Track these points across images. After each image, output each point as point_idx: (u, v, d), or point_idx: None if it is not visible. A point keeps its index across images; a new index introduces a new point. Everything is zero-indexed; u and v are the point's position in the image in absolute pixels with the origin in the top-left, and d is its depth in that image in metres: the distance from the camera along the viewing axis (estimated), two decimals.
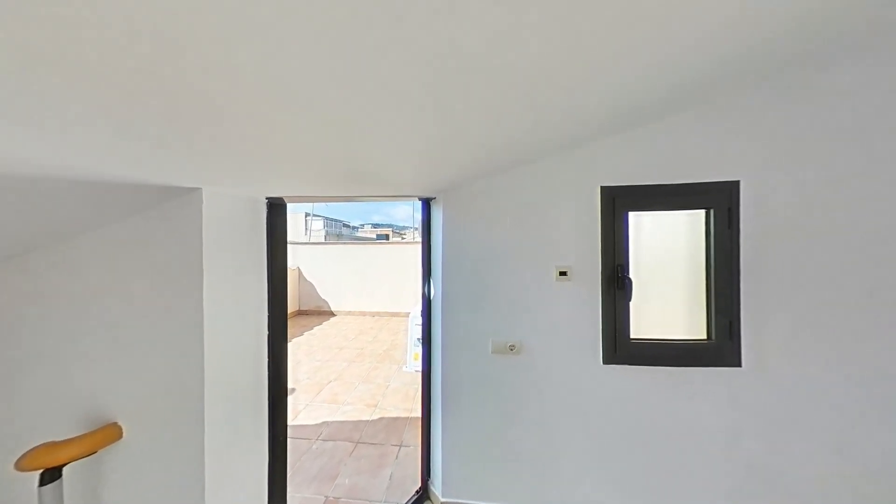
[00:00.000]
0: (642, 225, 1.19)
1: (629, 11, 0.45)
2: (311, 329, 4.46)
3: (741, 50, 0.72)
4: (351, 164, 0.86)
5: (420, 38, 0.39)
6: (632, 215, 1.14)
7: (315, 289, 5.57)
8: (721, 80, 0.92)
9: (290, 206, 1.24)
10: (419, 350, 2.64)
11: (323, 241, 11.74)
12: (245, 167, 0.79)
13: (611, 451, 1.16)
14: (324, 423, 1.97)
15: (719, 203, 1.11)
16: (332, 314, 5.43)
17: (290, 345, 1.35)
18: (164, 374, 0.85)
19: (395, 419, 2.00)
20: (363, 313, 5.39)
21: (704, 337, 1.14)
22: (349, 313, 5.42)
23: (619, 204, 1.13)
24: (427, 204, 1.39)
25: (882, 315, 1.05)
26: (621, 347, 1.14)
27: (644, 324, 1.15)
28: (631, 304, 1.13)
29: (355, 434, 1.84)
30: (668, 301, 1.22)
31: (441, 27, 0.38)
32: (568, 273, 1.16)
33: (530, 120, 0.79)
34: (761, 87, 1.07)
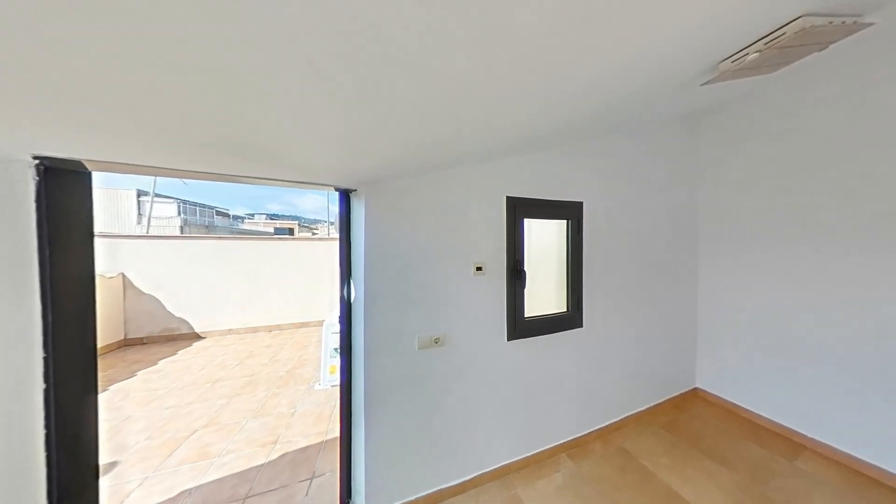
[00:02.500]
0: (532, 228, 1.55)
1: (525, 56, 0.56)
2: (155, 364, 3.00)
3: (587, 112, 1.06)
4: (229, 130, 0.65)
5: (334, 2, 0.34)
6: (526, 221, 1.46)
7: (161, 304, 3.69)
8: (577, 132, 1.32)
9: (103, 178, 0.78)
10: (337, 361, 2.33)
11: (178, 234, 8.15)
12: None
13: (511, 408, 1.44)
14: (183, 492, 1.38)
15: (573, 216, 1.60)
16: (196, 337, 3.78)
17: (105, 395, 0.85)
18: None
19: (305, 449, 1.68)
20: (254, 329, 4.07)
21: (566, 309, 1.62)
22: (230, 332, 3.94)
23: (518, 211, 1.42)
24: (346, 196, 1.24)
25: (645, 290, 1.85)
26: (519, 325, 1.43)
27: (533, 304, 1.50)
28: (525, 290, 1.44)
29: (241, 489, 1.40)
30: (546, 285, 1.65)
31: (362, 4, 0.35)
32: (483, 268, 1.35)
33: (453, 128, 0.85)
34: (595, 142, 1.64)
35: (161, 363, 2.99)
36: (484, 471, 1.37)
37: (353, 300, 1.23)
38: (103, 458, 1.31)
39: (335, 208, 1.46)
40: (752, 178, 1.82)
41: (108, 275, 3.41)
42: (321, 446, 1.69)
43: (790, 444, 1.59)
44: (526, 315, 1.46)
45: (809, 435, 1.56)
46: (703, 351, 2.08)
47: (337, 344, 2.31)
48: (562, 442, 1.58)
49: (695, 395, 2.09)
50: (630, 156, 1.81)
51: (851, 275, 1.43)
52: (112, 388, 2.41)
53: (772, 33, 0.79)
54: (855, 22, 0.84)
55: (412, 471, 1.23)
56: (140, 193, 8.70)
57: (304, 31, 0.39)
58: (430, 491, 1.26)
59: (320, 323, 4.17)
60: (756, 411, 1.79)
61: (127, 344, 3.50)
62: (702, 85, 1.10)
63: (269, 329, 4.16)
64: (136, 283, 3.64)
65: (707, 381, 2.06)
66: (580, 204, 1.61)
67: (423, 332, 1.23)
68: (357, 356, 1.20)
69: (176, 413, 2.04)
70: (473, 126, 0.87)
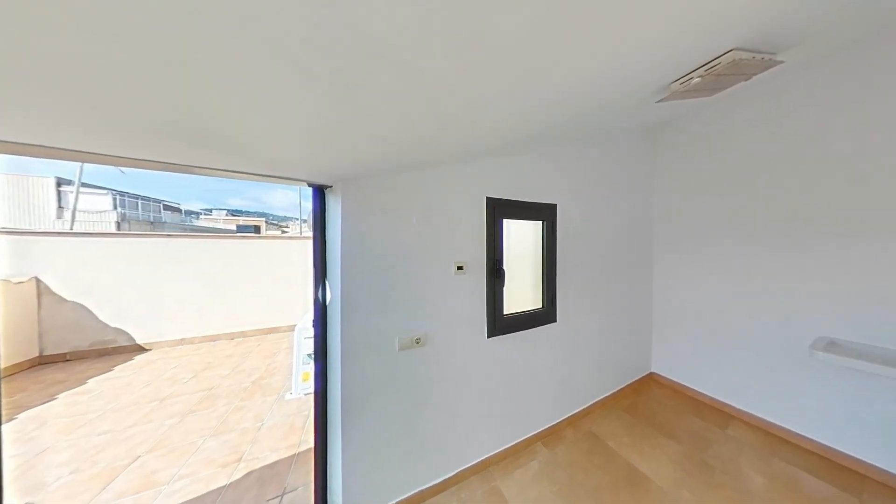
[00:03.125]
0: (510, 229, 1.60)
1: (503, 61, 0.58)
2: (83, 384, 2.57)
3: (561, 119, 1.12)
4: (179, 114, 0.58)
5: None
6: (505, 221, 1.51)
7: (91, 313, 3.13)
8: (552, 137, 1.40)
9: (7, 163, 0.64)
10: (310, 368, 2.20)
11: (114, 230, 7.05)
12: None
13: (491, 403, 1.49)
14: None
15: (548, 217, 1.69)
16: (139, 350, 3.29)
17: (11, 425, 0.70)
18: None
19: (274, 465, 1.56)
20: (213, 338, 3.66)
21: (541, 305, 1.71)
22: (182, 342, 3.49)
23: (497, 212, 1.46)
24: (321, 192, 1.18)
25: (609, 286, 2.01)
26: (499, 322, 1.48)
27: (511, 302, 1.56)
28: (504, 288, 1.49)
29: None
30: (523, 283, 1.72)
31: None
32: (464, 267, 1.36)
33: (434, 126, 0.85)
34: (568, 148, 1.75)
35: (91, 382, 2.55)
36: (465, 466, 1.40)
37: (328, 302, 1.17)
38: (10, 502, 1.08)
39: (309, 205, 1.36)
40: (697, 186, 2.08)
41: (15, 279, 2.82)
42: (293, 460, 1.59)
43: (723, 416, 1.85)
44: (505, 312, 1.52)
45: (738, 406, 1.84)
46: (657, 340, 2.33)
47: (311, 349, 2.19)
48: (538, 431, 1.67)
49: (650, 378, 2.33)
50: (598, 162, 1.95)
51: (769, 271, 1.70)
52: (22, 415, 2.01)
53: (710, 62, 0.93)
54: (771, 59, 1.01)
55: (392, 475, 1.21)
56: (61, 182, 7.31)
57: (270, 13, 0.36)
58: (411, 493, 1.25)
59: (291, 327, 3.90)
60: (698, 389, 2.05)
61: (44, 362, 2.93)
62: (657, 101, 1.24)
63: (232, 337, 3.78)
64: (57, 288, 3.03)
65: (660, 366, 2.31)
66: (554, 206, 1.71)
67: (403, 332, 1.22)
68: (333, 361, 1.15)
69: (112, 439, 1.77)
70: (455, 125, 0.88)
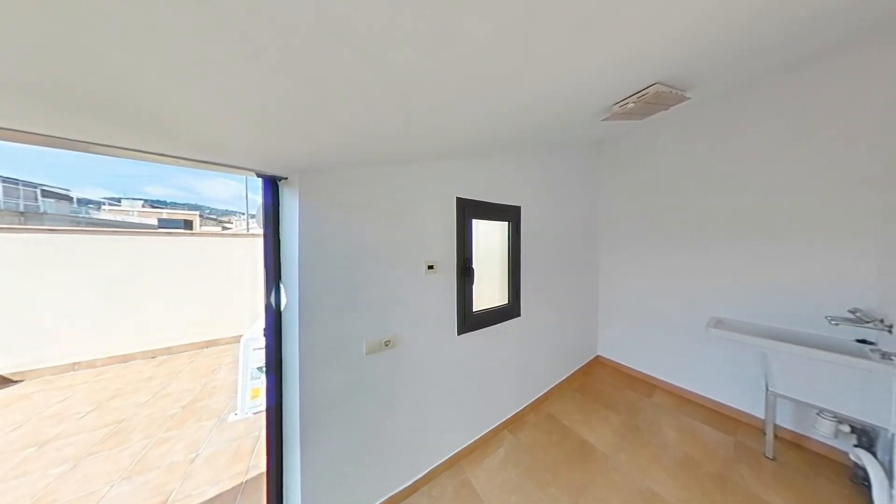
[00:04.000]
0: (479, 228, 1.66)
1: (471, 64, 0.60)
2: None
3: (524, 127, 1.21)
4: (67, 72, 0.45)
5: None
6: (475, 221, 1.56)
7: None
8: (517, 143, 1.49)
9: None
10: (261, 382, 1.94)
11: None
12: None
13: (461, 398, 1.53)
14: None
15: (513, 218, 1.80)
16: (4, 382, 2.45)
17: None
18: None
19: (214, 499, 1.34)
20: (124, 358, 2.92)
21: (507, 301, 1.81)
22: (74, 368, 2.71)
23: (467, 212, 1.50)
24: (273, 184, 1.05)
25: (564, 281, 2.24)
26: (468, 319, 1.53)
27: (480, 299, 1.62)
28: (474, 286, 1.54)
29: None
30: (491, 280, 1.81)
31: None
32: (435, 267, 1.37)
33: (402, 122, 0.83)
34: (531, 154, 1.88)
35: None
36: (436, 464, 1.41)
37: (283, 307, 1.05)
38: None
39: (259, 198, 1.21)
40: (630, 194, 2.46)
41: None
42: (240, 489, 1.39)
43: (649, 386, 2.24)
44: (475, 309, 1.57)
45: (659, 377, 2.24)
46: (602, 326, 2.69)
47: (261, 361, 1.93)
48: (504, 419, 1.77)
49: (597, 361, 2.68)
50: (557, 169, 2.16)
51: (680, 265, 2.11)
52: None
53: (640, 91, 1.13)
54: (681, 94, 1.25)
55: (359, 486, 1.15)
56: None
57: None
58: (381, 500, 1.21)
59: (236, 339, 3.39)
60: (631, 366, 2.44)
61: None
62: (602, 120, 1.44)
63: (153, 355, 3.09)
64: None
65: (604, 349, 2.68)
66: (519, 208, 1.83)
67: (371, 335, 1.16)
68: (290, 372, 1.04)
69: None
70: (424, 124, 0.87)
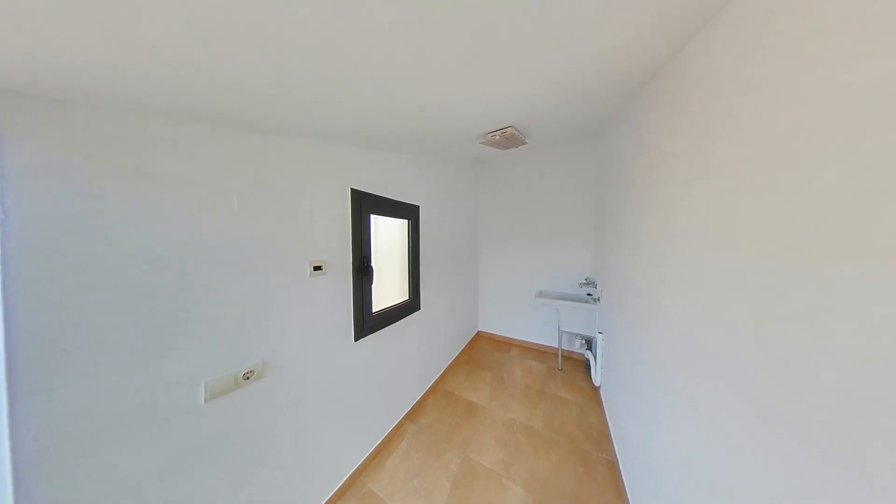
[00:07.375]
0: (378, 225, 1.60)
1: (371, 56, 0.57)
2: None
3: (421, 133, 1.28)
4: None
5: None
6: (373, 217, 1.48)
7: None
8: (416, 145, 1.55)
9: None
10: None
11: None
12: None
13: (359, 407, 1.42)
14: None
15: (413, 217, 1.87)
16: None
17: None
18: None
19: None
20: None
21: (408, 297, 1.87)
22: None
23: (364, 207, 1.39)
24: None
25: (454, 274, 2.59)
26: (367, 321, 1.43)
27: (380, 298, 1.57)
28: (373, 286, 1.46)
29: None
30: (392, 278, 1.80)
31: None
32: (323, 267, 1.17)
33: (269, 77, 0.64)
34: (429, 157, 2.02)
35: None
36: (334, 490, 1.23)
37: None
38: None
39: None
40: (499, 204, 3.25)
41: None
42: None
43: (508, 345, 3.09)
44: (374, 310, 1.49)
45: (514, 337, 3.16)
46: (481, 307, 3.41)
47: None
48: (406, 411, 1.83)
49: (479, 336, 3.36)
50: (450, 175, 2.45)
51: (524, 256, 3.07)
52: None
53: (502, 128, 1.52)
54: (523, 139, 1.81)
55: None
56: None
57: None
58: None
59: None
60: (500, 333, 3.26)
61: None
62: (480, 143, 1.80)
63: None
64: None
65: (484, 325, 3.40)
66: (417, 207, 1.92)
67: (216, 372, 0.83)
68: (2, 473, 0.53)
69: None
70: (309, 91, 0.72)
